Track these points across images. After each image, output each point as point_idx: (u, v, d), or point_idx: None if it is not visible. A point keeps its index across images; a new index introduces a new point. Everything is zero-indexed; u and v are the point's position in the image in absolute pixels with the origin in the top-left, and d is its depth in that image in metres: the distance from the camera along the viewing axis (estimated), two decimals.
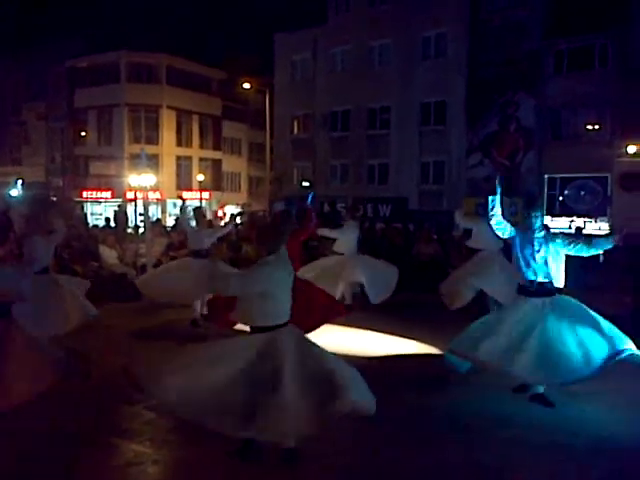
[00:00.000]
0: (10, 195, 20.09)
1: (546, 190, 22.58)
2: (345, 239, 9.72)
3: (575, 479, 4.15)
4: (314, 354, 3.96)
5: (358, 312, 8.92)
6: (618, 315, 5.69)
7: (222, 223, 21.06)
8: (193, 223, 9.15)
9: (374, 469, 4.20)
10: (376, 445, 4.44)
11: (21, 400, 4.55)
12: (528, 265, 5.47)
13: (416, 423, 4.84)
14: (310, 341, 4.17)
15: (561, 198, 22.31)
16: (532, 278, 5.46)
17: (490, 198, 5.98)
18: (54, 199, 11.76)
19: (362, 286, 9.60)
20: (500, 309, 5.80)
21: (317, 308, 5.61)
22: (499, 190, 5.82)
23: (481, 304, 8.64)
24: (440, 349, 7.48)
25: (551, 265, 5.47)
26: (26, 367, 4.67)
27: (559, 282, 5.54)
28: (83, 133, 35.28)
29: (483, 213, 10.38)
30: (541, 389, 5.47)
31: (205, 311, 8.57)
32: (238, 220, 21.19)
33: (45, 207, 7.90)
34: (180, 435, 4.66)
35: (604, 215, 21.17)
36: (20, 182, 25.22)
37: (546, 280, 5.45)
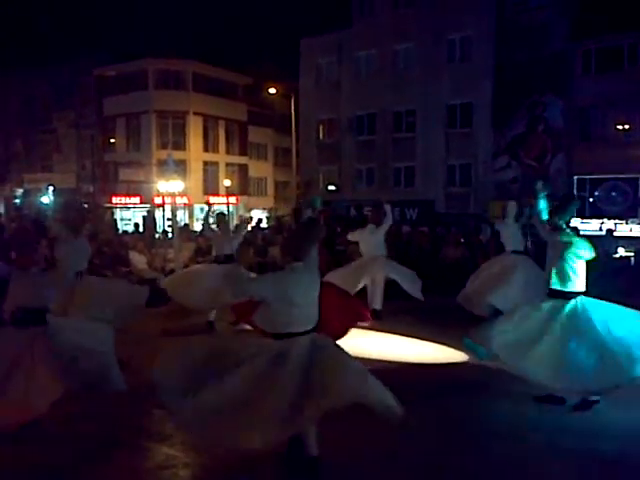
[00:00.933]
0: (42, 202, 20.47)
1: (576, 192, 22.28)
2: (366, 241, 9.72)
3: None
4: (326, 366, 3.81)
5: (385, 316, 8.93)
6: None
7: (249, 228, 21.25)
8: (216, 228, 9.30)
9: (394, 474, 4.20)
10: (396, 448, 4.42)
11: (44, 409, 4.63)
12: (556, 268, 5.45)
13: (443, 428, 4.83)
14: (335, 352, 4.02)
15: (591, 200, 22.02)
16: (561, 281, 5.44)
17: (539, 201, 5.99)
18: (85, 205, 11.98)
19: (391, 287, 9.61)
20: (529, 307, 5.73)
21: (342, 314, 5.62)
22: (541, 194, 5.84)
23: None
24: (466, 353, 7.46)
25: (576, 268, 5.43)
26: (53, 375, 4.76)
27: (582, 286, 5.48)
28: (112, 140, 35.88)
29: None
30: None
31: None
32: (264, 225, 21.29)
33: (78, 214, 8.03)
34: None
35: (635, 216, 20.84)
36: (51, 189, 25.71)
37: (572, 283, 5.43)
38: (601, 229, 18.89)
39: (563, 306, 5.40)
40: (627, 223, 20.62)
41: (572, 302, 5.40)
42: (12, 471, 4.29)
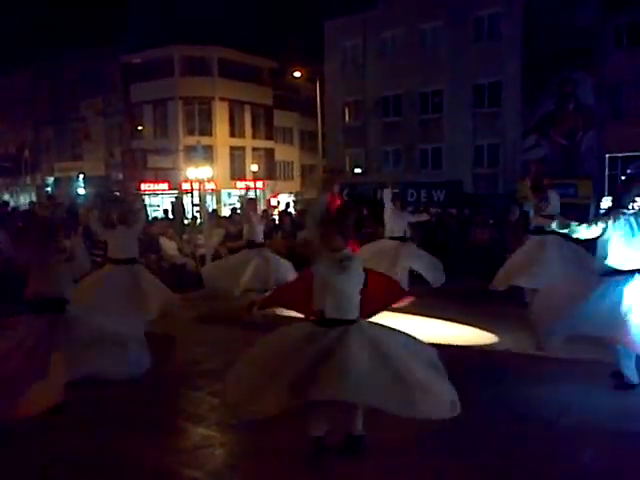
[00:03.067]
0: (78, 193, 20.83)
1: (607, 170, 21.94)
2: (392, 225, 9.75)
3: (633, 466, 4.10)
4: (379, 354, 3.88)
5: (414, 299, 8.93)
6: None
7: (276, 212, 21.37)
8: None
9: (427, 457, 4.26)
10: (429, 433, 4.47)
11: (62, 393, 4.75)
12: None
13: (470, 410, 4.86)
14: (381, 338, 4.06)
15: (623, 178, 21.62)
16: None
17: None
18: (117, 194, 12.20)
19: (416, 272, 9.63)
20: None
21: (379, 293, 5.61)
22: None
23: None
24: (496, 335, 7.47)
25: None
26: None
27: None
28: (140, 127, 36.19)
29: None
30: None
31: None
32: (291, 209, 21.38)
33: (114, 203, 8.18)
34: (245, 420, 4.81)
35: None
36: (82, 177, 26.16)
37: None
38: (633, 207, 18.55)
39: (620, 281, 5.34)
40: None
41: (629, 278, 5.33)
42: (45, 455, 4.43)
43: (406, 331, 4.27)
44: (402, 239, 9.80)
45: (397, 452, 4.30)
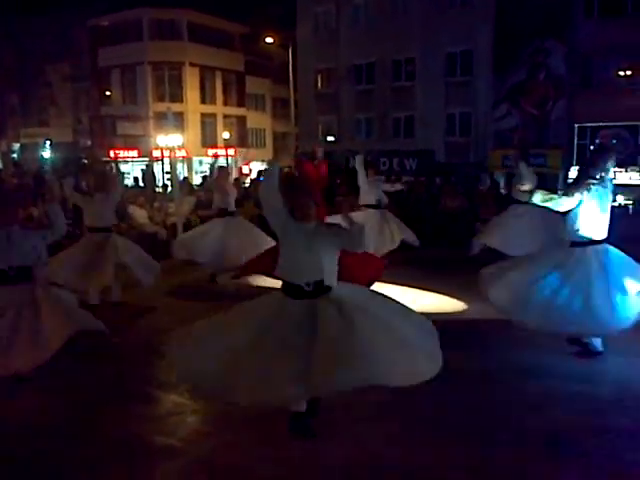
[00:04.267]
0: (43, 157, 20.42)
1: (576, 140, 22.18)
2: (365, 192, 9.80)
3: (597, 428, 4.26)
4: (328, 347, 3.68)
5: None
6: None
7: (248, 180, 21.23)
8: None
9: (402, 419, 4.36)
10: (401, 396, 4.54)
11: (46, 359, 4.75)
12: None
13: (445, 374, 4.98)
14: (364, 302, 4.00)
15: (592, 147, 21.90)
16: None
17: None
18: (85, 161, 11.92)
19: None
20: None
21: (362, 267, 5.63)
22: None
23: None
24: (466, 303, 7.61)
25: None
26: (53, 327, 4.86)
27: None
28: (108, 93, 35.40)
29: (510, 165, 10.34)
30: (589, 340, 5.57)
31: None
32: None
33: (87, 170, 8.06)
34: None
35: (635, 165, 20.78)
36: (49, 143, 25.61)
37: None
38: (601, 177, 18.85)
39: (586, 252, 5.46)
40: (627, 171, 20.56)
41: (596, 248, 5.46)
42: (19, 423, 4.44)
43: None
44: (376, 207, 9.86)
45: (368, 419, 4.38)
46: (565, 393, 4.78)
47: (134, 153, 32.74)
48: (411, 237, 9.91)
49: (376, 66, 26.65)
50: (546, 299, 5.31)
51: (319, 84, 29.22)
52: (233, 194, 9.42)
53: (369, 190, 9.82)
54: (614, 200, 12.68)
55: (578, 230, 5.48)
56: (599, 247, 5.47)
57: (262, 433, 4.20)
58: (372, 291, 4.36)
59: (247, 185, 18.49)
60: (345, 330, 3.70)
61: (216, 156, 9.84)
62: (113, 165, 11.02)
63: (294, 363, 3.61)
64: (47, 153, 21.68)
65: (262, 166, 34.48)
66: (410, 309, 4.22)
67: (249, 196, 14.92)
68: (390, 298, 4.23)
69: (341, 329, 3.71)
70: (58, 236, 5.41)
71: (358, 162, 9.74)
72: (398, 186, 11.29)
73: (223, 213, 9.17)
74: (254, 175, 22.77)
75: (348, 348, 3.59)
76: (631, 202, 13.01)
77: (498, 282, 5.65)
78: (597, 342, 5.58)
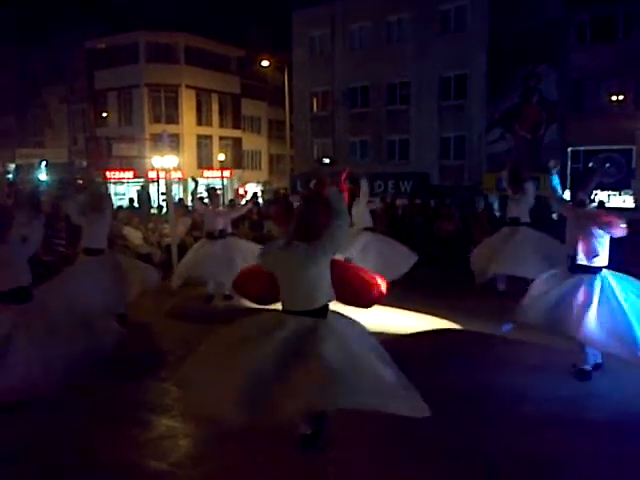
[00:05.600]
0: (39, 179, 20.38)
1: (569, 163, 22.35)
2: (358, 214, 9.78)
3: (585, 451, 4.23)
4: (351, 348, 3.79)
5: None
6: None
7: (243, 201, 21.24)
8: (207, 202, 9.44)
9: (388, 443, 4.32)
10: (389, 421, 4.50)
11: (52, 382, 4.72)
12: (582, 243, 5.52)
13: (436, 396, 4.96)
14: (351, 331, 4.01)
15: (584, 169, 22.07)
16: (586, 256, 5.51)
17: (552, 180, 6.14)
18: (80, 182, 11.91)
19: None
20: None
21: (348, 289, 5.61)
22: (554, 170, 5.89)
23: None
24: (460, 325, 7.60)
25: (602, 243, 5.50)
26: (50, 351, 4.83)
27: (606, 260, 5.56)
28: (104, 114, 35.57)
29: (502, 188, 10.41)
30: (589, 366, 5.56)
31: (227, 290, 8.84)
32: (259, 199, 21.30)
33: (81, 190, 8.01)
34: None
35: (628, 188, 20.93)
36: (44, 164, 25.55)
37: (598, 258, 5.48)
38: (594, 200, 18.96)
39: (589, 279, 5.45)
40: (620, 194, 20.71)
41: (597, 276, 5.44)
42: (8, 447, 4.38)
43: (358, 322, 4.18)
44: (371, 229, 9.87)
45: (359, 442, 4.35)
46: (560, 417, 4.76)
47: (130, 174, 32.79)
48: (406, 260, 9.76)
49: (371, 89, 26.89)
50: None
51: (314, 107, 29.44)
52: (222, 217, 9.31)
53: (365, 213, 9.84)
54: None
55: (576, 257, 5.55)
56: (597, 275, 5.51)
57: (255, 457, 4.16)
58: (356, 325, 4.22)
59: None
60: (344, 352, 3.71)
61: (194, 179, 9.75)
62: (105, 184, 11.09)
63: (288, 378, 3.60)
64: (43, 175, 21.66)
65: (257, 187, 34.60)
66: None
67: (244, 218, 14.93)
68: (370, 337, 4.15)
69: (339, 349, 3.70)
70: (30, 253, 5.35)
71: (363, 186, 9.71)
72: (376, 204, 11.27)
73: (209, 235, 9.15)
74: (249, 197, 22.79)
75: (349, 368, 3.61)
76: (624, 226, 13.05)
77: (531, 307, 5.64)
78: (594, 359, 5.58)
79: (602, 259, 5.50)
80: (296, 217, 4.09)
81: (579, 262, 5.54)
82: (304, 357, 3.65)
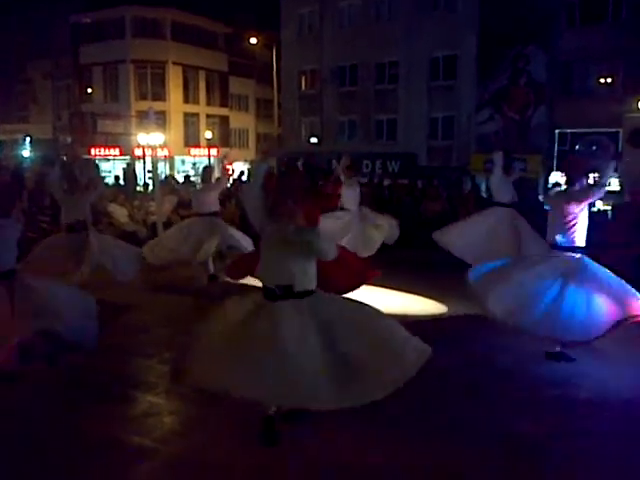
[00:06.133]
0: (22, 156, 20.14)
1: (557, 145, 22.40)
2: (347, 196, 9.75)
3: (574, 431, 4.29)
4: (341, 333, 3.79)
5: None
6: (623, 271, 5.74)
7: (230, 180, 21.09)
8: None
9: (383, 432, 4.30)
10: (384, 408, 4.49)
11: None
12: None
13: (425, 377, 4.98)
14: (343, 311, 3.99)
15: (570, 156, 22.10)
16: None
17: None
18: (64, 158, 11.72)
19: None
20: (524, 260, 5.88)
21: (351, 273, 5.58)
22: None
23: None
24: (446, 306, 7.63)
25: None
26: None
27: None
28: (89, 90, 35.08)
29: (490, 169, 10.38)
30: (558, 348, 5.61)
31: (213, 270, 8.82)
32: (245, 178, 21.17)
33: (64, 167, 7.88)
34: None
35: (614, 171, 21.01)
36: (28, 140, 25.27)
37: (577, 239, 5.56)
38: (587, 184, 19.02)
39: (565, 259, 5.53)
40: None
41: (574, 256, 5.53)
42: None
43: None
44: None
45: (348, 415, 4.34)
46: (544, 396, 4.81)
47: (116, 151, 32.48)
48: (389, 234, 9.77)
49: (359, 68, 26.70)
50: (547, 305, 5.35)
51: (303, 85, 29.21)
52: (215, 192, 9.29)
53: (349, 193, 9.78)
54: (593, 205, 12.83)
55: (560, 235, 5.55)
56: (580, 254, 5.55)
57: (239, 433, 4.17)
58: (345, 298, 4.26)
59: (229, 185, 18.39)
60: (320, 345, 3.70)
61: (199, 156, 9.65)
62: (94, 162, 10.96)
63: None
64: (27, 151, 21.40)
65: (245, 166, 34.38)
66: (382, 313, 4.15)
67: (231, 197, 14.86)
68: (363, 303, 4.15)
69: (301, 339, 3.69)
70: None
71: (343, 165, 9.67)
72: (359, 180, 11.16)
73: (201, 214, 9.08)
74: (236, 175, 22.65)
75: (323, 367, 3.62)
76: (610, 208, 13.12)
77: (493, 293, 5.65)
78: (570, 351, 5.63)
79: (579, 238, 5.54)
80: (269, 198, 4.08)
81: (557, 243, 5.62)
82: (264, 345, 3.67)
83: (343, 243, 9.03)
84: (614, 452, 3.95)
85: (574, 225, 5.57)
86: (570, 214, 5.56)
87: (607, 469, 3.77)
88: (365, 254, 9.12)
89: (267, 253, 4.00)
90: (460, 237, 8.69)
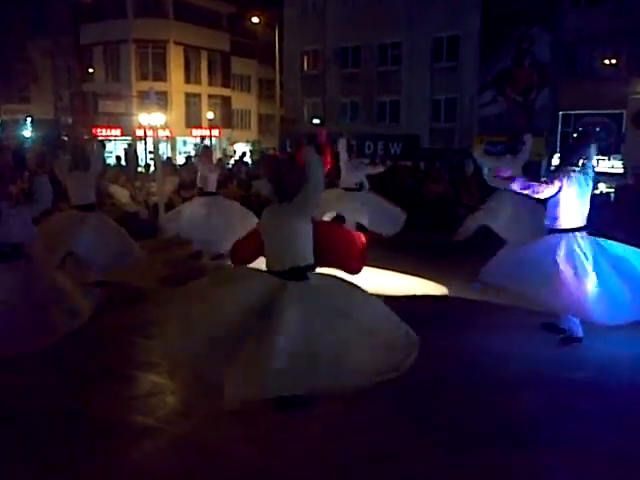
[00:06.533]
0: (24, 136, 20.09)
1: (560, 127, 22.28)
2: (345, 176, 9.73)
3: (573, 412, 4.32)
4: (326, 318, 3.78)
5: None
6: None
7: (232, 161, 21.09)
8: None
9: (381, 417, 4.30)
10: (384, 391, 4.28)
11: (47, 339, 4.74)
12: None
13: (424, 357, 5.00)
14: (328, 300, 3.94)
15: (574, 135, 22.00)
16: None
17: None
18: (65, 139, 11.67)
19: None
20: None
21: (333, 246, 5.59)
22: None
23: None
24: (448, 287, 7.65)
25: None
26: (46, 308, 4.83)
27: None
28: (90, 70, 34.87)
29: (494, 151, 10.35)
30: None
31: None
32: (247, 159, 21.14)
33: (64, 147, 7.86)
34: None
35: (617, 153, 20.94)
36: (30, 120, 25.20)
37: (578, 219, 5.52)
38: (583, 165, 18.97)
39: (568, 239, 5.46)
40: (609, 159, 20.73)
41: (568, 236, 5.46)
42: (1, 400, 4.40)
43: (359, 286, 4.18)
44: (356, 190, 9.79)
45: (343, 401, 4.38)
46: (543, 377, 4.84)
47: (117, 132, 32.34)
48: (381, 229, 9.65)
49: (362, 49, 26.50)
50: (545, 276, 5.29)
51: (305, 66, 29.02)
52: (215, 174, 9.36)
53: (350, 173, 9.76)
54: (596, 188, 12.80)
55: (557, 217, 5.50)
56: (579, 234, 5.49)
57: (241, 413, 4.19)
58: (339, 281, 4.18)
59: (231, 166, 18.38)
60: (307, 325, 3.70)
61: (202, 137, 9.69)
62: (95, 143, 10.92)
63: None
64: (28, 131, 21.35)
65: (247, 147, 34.28)
66: (375, 299, 4.16)
67: (233, 177, 14.85)
68: (357, 288, 4.16)
69: (302, 320, 3.70)
70: (45, 207, 5.41)
71: (341, 145, 9.67)
72: (380, 168, 11.14)
73: (204, 193, 9.13)
74: (238, 156, 22.60)
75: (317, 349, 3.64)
76: (613, 190, 13.09)
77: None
78: (578, 328, 5.61)
79: (570, 220, 5.48)
80: (271, 178, 4.14)
81: (551, 226, 5.58)
82: (261, 327, 3.65)
83: (363, 220, 9.14)
84: (609, 435, 3.98)
85: (558, 207, 5.49)
86: (552, 195, 5.51)
87: (601, 453, 3.79)
88: (392, 231, 9.29)
89: (269, 237, 4.03)
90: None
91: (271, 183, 4.13)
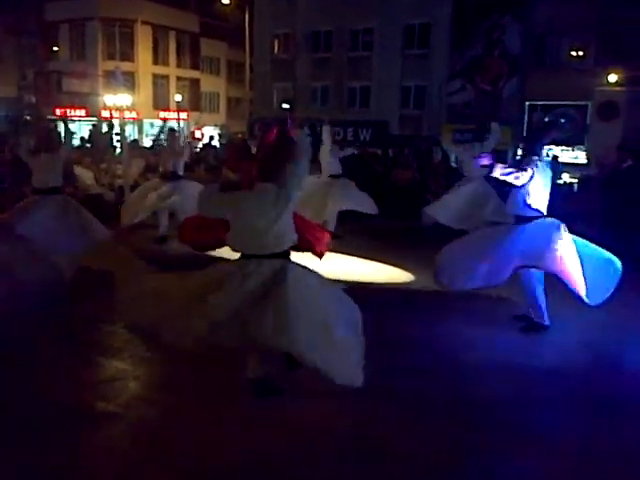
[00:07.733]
0: None
1: (527, 117, 22.55)
2: (331, 163, 9.73)
3: (530, 398, 4.39)
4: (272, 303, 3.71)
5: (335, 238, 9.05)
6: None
7: (200, 145, 20.86)
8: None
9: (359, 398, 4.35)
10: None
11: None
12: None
13: (392, 343, 5.03)
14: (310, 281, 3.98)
15: (535, 126, 22.29)
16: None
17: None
18: (28, 118, 11.37)
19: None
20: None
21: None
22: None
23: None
24: (416, 275, 7.70)
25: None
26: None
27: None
28: (55, 48, 34.03)
29: (462, 140, 10.43)
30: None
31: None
32: (215, 143, 20.93)
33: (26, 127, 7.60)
34: (158, 353, 4.81)
35: (581, 144, 21.30)
36: None
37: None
38: (547, 155, 19.26)
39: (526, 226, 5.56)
40: (573, 150, 21.07)
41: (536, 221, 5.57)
42: None
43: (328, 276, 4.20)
44: (337, 176, 9.81)
45: (317, 394, 4.34)
46: (501, 364, 4.90)
47: (82, 112, 31.68)
48: (365, 208, 9.80)
49: (334, 34, 26.37)
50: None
51: (276, 49, 28.75)
52: (182, 157, 9.23)
53: (335, 160, 9.76)
54: (560, 178, 13.00)
55: (525, 206, 5.56)
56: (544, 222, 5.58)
57: (204, 398, 4.18)
58: (316, 276, 4.14)
59: (199, 150, 18.19)
60: (306, 301, 3.74)
61: (165, 119, 9.52)
62: (60, 123, 10.65)
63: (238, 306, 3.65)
64: None
65: (215, 130, 33.93)
66: (343, 299, 4.13)
67: (200, 161, 14.69)
68: (327, 282, 4.17)
69: (301, 297, 3.73)
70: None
71: (325, 131, 9.62)
72: (349, 150, 11.12)
73: (170, 176, 9.00)
74: (206, 140, 22.37)
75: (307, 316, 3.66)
76: (576, 180, 13.33)
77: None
78: (544, 317, 5.70)
79: (537, 208, 5.57)
80: (262, 158, 4.02)
81: (514, 213, 5.68)
82: (271, 296, 3.68)
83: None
84: (574, 422, 4.06)
85: (527, 195, 5.54)
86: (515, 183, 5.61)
87: (566, 439, 3.86)
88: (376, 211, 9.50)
89: (245, 223, 3.90)
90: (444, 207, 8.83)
91: (262, 164, 3.96)
